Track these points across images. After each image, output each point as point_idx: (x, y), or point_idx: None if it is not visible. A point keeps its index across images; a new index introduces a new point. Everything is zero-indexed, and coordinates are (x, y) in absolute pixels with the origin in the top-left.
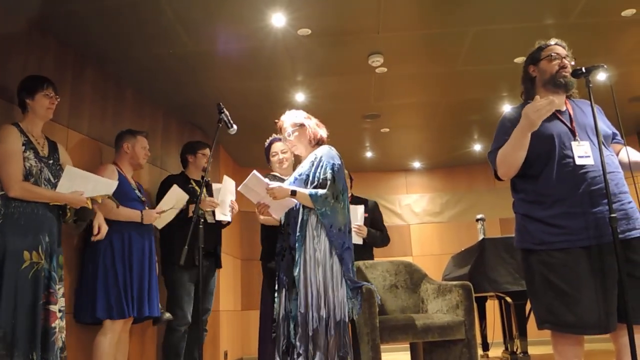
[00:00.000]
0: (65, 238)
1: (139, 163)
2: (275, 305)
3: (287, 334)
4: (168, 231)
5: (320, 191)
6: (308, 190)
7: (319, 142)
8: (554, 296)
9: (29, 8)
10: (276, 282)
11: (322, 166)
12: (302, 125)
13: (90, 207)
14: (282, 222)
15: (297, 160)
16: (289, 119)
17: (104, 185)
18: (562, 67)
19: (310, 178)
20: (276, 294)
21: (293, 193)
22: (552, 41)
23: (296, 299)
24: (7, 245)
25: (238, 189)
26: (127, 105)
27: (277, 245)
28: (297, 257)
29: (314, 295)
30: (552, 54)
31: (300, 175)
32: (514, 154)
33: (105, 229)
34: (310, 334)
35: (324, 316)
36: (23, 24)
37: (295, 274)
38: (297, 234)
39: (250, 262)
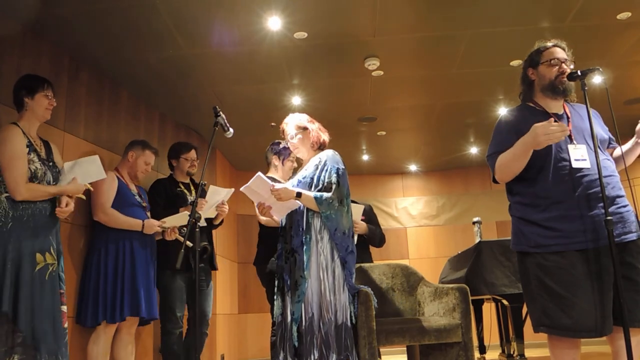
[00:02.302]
0: (71, 241)
1: (136, 175)
2: (276, 308)
3: (291, 336)
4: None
5: (326, 194)
6: (313, 193)
7: (321, 147)
8: (549, 299)
9: (22, 11)
10: (276, 284)
11: (326, 170)
12: (305, 129)
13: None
14: (283, 224)
15: (298, 163)
16: (292, 122)
17: (94, 170)
18: (562, 72)
19: (315, 181)
20: (276, 297)
21: (298, 195)
22: (552, 43)
23: (299, 301)
24: (21, 249)
25: (241, 189)
26: (123, 108)
27: (277, 247)
28: (305, 259)
29: (317, 298)
30: (552, 60)
31: (304, 178)
32: (514, 164)
33: (71, 207)
34: (315, 336)
35: (327, 319)
36: (17, 28)
37: (304, 276)
38: (304, 236)
39: (247, 265)
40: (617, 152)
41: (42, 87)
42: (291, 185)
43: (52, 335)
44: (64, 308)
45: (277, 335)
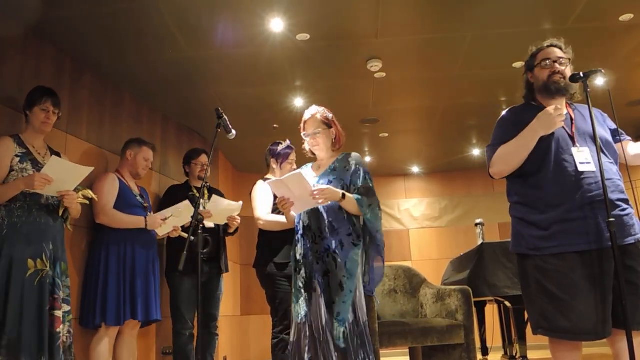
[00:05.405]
0: (74, 245)
1: (138, 172)
2: (298, 308)
3: (325, 339)
4: (174, 238)
5: (366, 198)
6: (355, 196)
7: (339, 148)
8: (548, 302)
9: (25, 13)
10: (297, 284)
11: (359, 174)
12: (330, 126)
13: (82, 200)
14: (306, 223)
15: (298, 163)
16: (321, 114)
17: (79, 172)
18: (553, 72)
19: (347, 184)
20: (296, 297)
21: (343, 197)
22: (547, 43)
23: (345, 302)
24: (13, 254)
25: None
26: (125, 110)
27: (300, 247)
28: (352, 261)
29: (358, 300)
30: (544, 61)
31: (334, 179)
32: (518, 153)
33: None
34: (358, 338)
35: (363, 321)
36: (19, 29)
37: (350, 277)
38: (348, 238)
39: (250, 267)
40: (632, 149)
41: (39, 101)
42: (313, 185)
43: (40, 340)
44: (58, 313)
45: (297, 336)
